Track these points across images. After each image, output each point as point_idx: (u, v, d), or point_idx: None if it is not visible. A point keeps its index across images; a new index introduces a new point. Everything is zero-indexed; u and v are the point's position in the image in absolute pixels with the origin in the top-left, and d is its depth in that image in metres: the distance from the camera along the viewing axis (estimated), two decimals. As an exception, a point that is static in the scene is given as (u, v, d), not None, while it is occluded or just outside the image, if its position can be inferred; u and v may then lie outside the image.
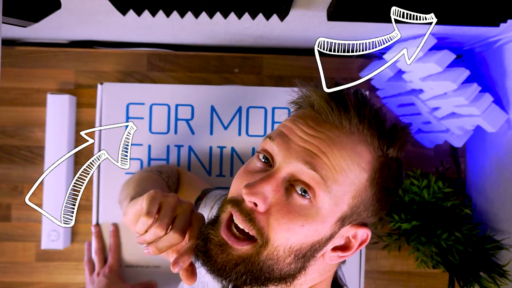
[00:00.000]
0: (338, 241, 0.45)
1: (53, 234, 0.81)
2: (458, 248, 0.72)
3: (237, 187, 0.45)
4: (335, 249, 0.46)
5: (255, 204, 0.42)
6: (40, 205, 0.84)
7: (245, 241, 0.43)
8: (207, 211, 0.62)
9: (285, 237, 0.42)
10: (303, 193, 0.42)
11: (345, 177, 0.42)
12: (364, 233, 0.45)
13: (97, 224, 0.73)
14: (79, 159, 0.85)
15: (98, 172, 0.72)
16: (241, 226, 0.43)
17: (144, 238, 0.45)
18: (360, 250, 0.73)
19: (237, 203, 0.43)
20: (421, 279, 0.86)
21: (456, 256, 0.72)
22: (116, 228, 0.73)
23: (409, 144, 0.46)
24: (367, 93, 0.47)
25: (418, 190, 0.74)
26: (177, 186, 0.69)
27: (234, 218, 0.43)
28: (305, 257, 0.44)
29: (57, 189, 0.81)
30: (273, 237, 0.42)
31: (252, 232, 0.42)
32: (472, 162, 0.85)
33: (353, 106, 0.42)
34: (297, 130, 0.43)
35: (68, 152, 0.84)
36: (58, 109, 0.82)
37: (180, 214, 0.45)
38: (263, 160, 0.45)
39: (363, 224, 0.45)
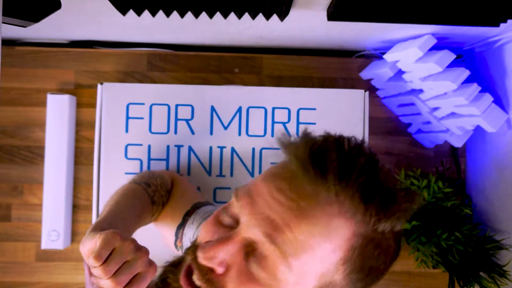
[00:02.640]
0: None
1: (53, 234, 0.81)
2: (458, 248, 0.72)
3: (203, 236, 0.41)
4: None
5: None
6: (40, 205, 0.84)
7: None
8: (193, 228, 0.61)
9: None
10: (261, 265, 0.37)
11: (312, 255, 0.36)
12: None
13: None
14: (79, 159, 0.85)
15: (98, 172, 0.71)
16: (199, 283, 0.39)
17: (90, 273, 0.46)
18: None
19: (196, 258, 0.39)
20: (421, 279, 0.86)
21: (456, 256, 0.72)
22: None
23: (407, 215, 0.38)
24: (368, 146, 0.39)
25: (418, 190, 0.74)
26: (166, 199, 0.67)
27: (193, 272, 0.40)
28: None
29: (57, 189, 0.81)
30: None
31: None
32: (472, 162, 0.85)
33: (334, 171, 0.35)
34: (265, 192, 0.38)
35: (68, 151, 0.84)
36: (58, 109, 0.82)
37: (128, 263, 0.43)
38: (231, 216, 0.41)
39: None
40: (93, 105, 0.85)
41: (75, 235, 0.85)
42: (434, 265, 0.75)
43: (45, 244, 0.81)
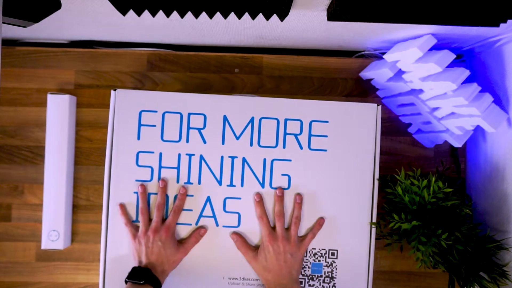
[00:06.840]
0: None
1: (53, 234, 0.81)
2: (458, 248, 0.72)
3: None
4: None
5: None
6: (40, 205, 0.84)
7: None
8: None
9: None
10: None
11: None
12: None
13: (143, 184, 0.72)
14: (79, 159, 0.85)
15: (109, 179, 0.71)
16: None
17: None
18: (369, 250, 0.73)
19: None
20: (421, 279, 0.86)
21: (456, 256, 0.72)
22: (185, 191, 0.72)
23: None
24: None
25: (418, 190, 0.74)
26: None
27: None
28: None
29: (57, 189, 0.81)
30: None
31: None
32: (472, 162, 0.85)
33: None
34: None
35: (68, 151, 0.84)
36: (58, 109, 0.82)
37: None
38: None
39: None
40: (93, 105, 0.85)
41: (75, 235, 0.85)
42: (434, 265, 0.75)
43: (45, 244, 0.81)
